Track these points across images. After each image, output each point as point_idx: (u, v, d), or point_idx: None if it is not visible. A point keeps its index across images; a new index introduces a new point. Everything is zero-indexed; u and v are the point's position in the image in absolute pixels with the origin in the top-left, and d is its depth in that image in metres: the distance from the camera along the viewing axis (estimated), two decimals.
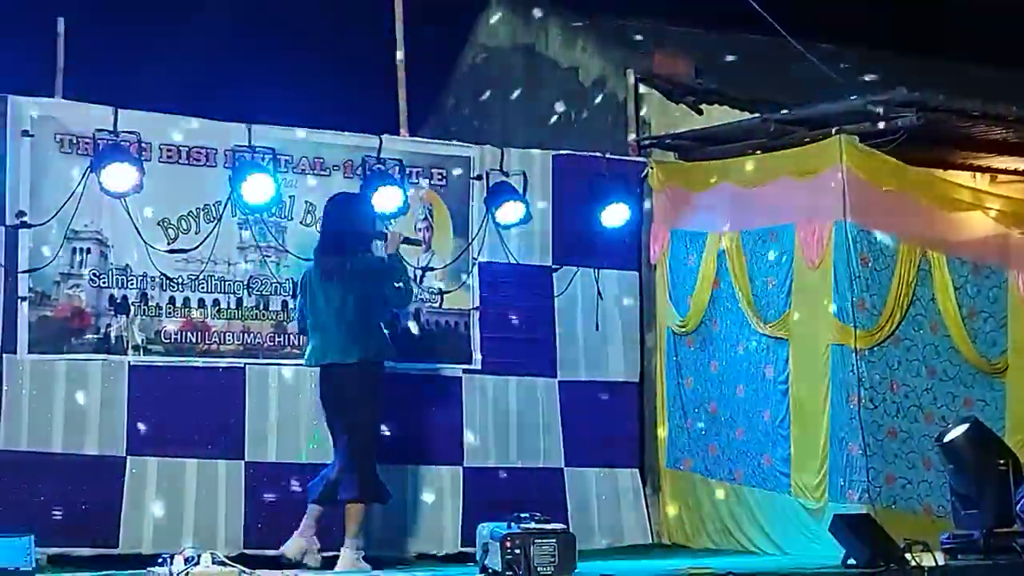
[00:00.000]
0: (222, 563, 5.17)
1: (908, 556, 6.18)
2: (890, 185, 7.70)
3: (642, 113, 8.90)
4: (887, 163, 7.67)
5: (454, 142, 8.50)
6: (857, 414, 7.38)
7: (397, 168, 7.90)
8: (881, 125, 7.62)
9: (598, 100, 9.33)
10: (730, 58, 9.68)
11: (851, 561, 6.31)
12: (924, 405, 7.65)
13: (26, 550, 4.91)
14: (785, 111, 8.12)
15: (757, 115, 8.35)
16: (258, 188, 7.39)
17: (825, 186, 7.60)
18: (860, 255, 7.54)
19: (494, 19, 10.57)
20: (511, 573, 5.45)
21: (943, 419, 7.54)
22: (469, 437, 8.02)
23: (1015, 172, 8.54)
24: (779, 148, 8.06)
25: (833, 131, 7.69)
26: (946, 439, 6.95)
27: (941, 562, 6.21)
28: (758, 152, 8.19)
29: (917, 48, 10.44)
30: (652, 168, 8.65)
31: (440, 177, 8.16)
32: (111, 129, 7.26)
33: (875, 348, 7.53)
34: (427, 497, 7.84)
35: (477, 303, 8.17)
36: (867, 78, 9.16)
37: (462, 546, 7.68)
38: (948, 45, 10.70)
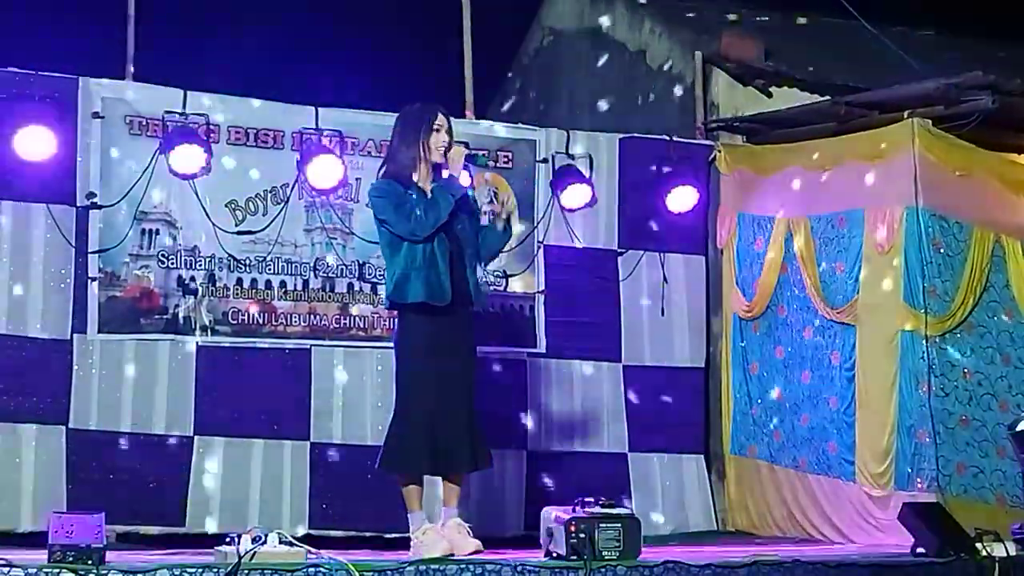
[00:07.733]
0: (289, 543, 5.17)
1: (979, 546, 6.07)
2: (963, 169, 7.55)
3: (710, 96, 8.82)
4: (960, 147, 7.53)
5: (520, 125, 8.48)
6: (927, 402, 7.28)
7: None
8: (955, 109, 7.48)
9: (665, 83, 9.25)
10: (800, 40, 9.55)
11: (920, 550, 6.22)
12: (998, 393, 7.50)
13: (98, 527, 4.94)
14: (856, 94, 8.00)
15: (827, 98, 8.22)
16: (325, 170, 7.43)
17: (896, 170, 7.48)
18: (932, 240, 7.41)
19: (561, 2, 10.52)
20: (576, 557, 5.41)
21: (1017, 407, 7.42)
22: (533, 421, 8.02)
23: None
24: (850, 131, 7.93)
25: (905, 115, 7.55)
26: (1019, 428, 6.83)
27: (1013, 552, 6.10)
28: (828, 136, 8.08)
29: (990, 31, 10.25)
30: (720, 151, 8.56)
31: (506, 160, 8.14)
32: (180, 111, 7.32)
33: (946, 335, 7.41)
34: (491, 480, 7.84)
35: (542, 287, 8.14)
36: (940, 61, 9.00)
37: (525, 530, 7.67)
38: (1021, 29, 10.50)
